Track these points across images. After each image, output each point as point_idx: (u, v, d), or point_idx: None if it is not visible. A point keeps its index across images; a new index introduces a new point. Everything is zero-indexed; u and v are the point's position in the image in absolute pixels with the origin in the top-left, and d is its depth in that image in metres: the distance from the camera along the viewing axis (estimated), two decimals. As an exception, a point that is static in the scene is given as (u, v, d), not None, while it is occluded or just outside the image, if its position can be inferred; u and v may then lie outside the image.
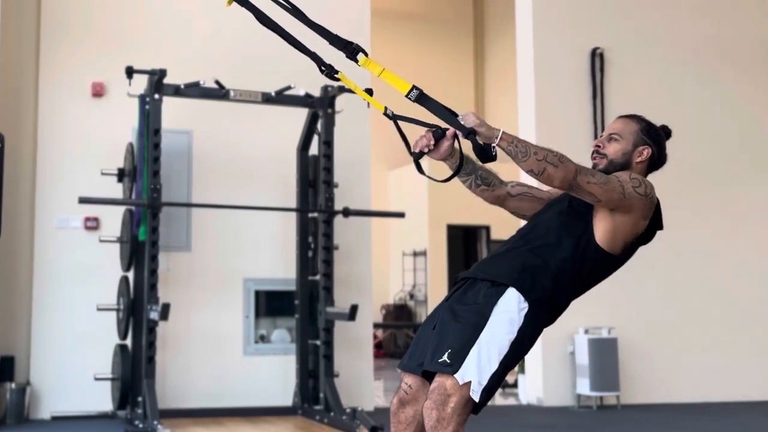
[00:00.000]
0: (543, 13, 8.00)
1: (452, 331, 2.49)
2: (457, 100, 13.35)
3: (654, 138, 2.76)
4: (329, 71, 2.55)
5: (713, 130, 8.36)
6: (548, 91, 7.94)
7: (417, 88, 2.50)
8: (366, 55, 2.55)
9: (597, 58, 8.11)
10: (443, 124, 2.57)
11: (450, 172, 2.66)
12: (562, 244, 2.56)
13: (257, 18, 2.49)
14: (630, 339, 7.73)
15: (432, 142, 2.56)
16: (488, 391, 2.45)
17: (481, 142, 2.46)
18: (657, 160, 2.78)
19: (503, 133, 2.45)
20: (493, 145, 2.44)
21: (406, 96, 2.52)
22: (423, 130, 2.60)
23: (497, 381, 2.47)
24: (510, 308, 2.49)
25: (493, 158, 2.47)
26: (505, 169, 2.86)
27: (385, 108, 2.60)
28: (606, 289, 8.16)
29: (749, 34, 8.63)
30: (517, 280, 2.51)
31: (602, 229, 2.58)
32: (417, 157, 2.58)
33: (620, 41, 8.23)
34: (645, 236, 2.67)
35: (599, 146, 2.72)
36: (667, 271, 8.00)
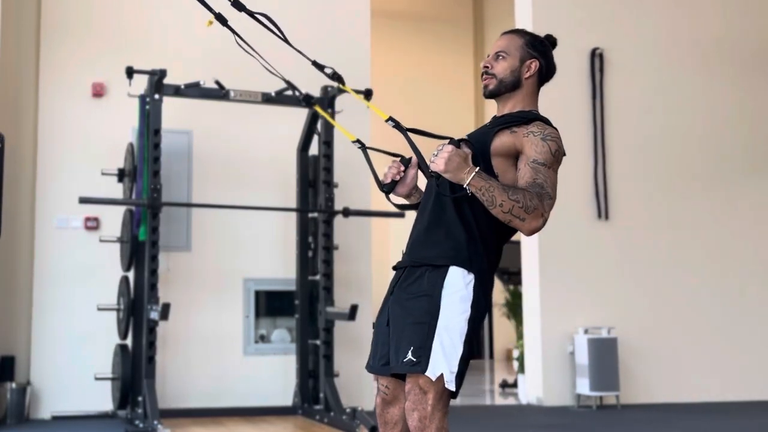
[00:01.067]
0: (543, 13, 8.00)
1: (408, 326, 2.47)
2: (457, 101, 13.40)
3: (540, 50, 2.71)
4: (305, 99, 2.70)
5: (713, 130, 8.36)
6: (548, 91, 7.87)
7: (393, 120, 2.63)
8: (343, 83, 2.77)
9: (597, 58, 8.11)
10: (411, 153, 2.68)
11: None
12: (473, 206, 2.50)
13: (237, 41, 2.62)
14: (630, 339, 7.73)
15: (402, 169, 2.69)
16: (461, 376, 2.45)
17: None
18: (546, 72, 2.74)
19: (474, 177, 2.40)
20: (465, 186, 2.42)
21: (386, 121, 2.64)
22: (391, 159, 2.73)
23: (466, 362, 2.47)
24: (457, 286, 2.47)
25: (452, 196, 2.49)
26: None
27: (357, 139, 2.82)
28: (606, 289, 8.23)
29: (749, 34, 8.63)
30: (453, 258, 2.49)
31: (501, 177, 2.52)
32: (389, 190, 2.73)
33: (620, 41, 8.23)
34: None
35: (488, 67, 2.66)
36: (667, 271, 8.00)
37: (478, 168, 2.43)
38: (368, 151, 2.83)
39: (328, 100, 6.79)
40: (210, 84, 6.64)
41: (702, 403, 7.81)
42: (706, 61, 8.46)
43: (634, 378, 7.76)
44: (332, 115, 6.79)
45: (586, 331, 7.41)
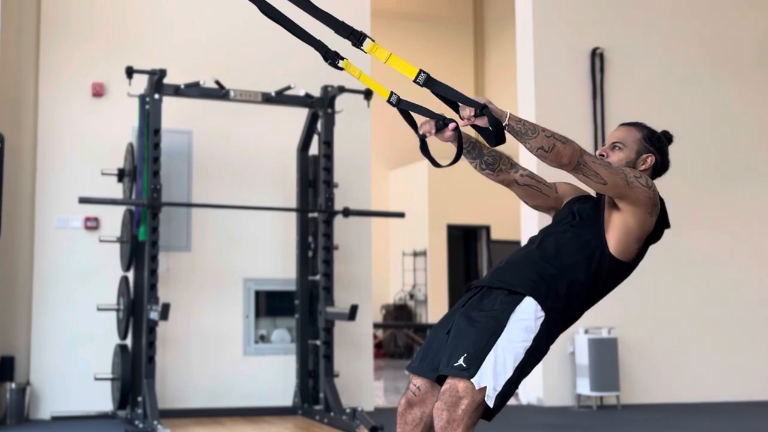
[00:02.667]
0: (543, 13, 8.00)
1: (469, 336, 2.49)
2: (457, 100, 13.42)
3: (657, 145, 2.78)
4: (333, 59, 2.52)
5: (713, 130, 8.36)
6: (548, 91, 7.95)
7: (424, 72, 2.46)
8: (372, 41, 2.50)
9: (597, 58, 8.11)
10: (448, 114, 2.55)
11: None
12: (575, 257, 2.59)
13: (260, 8, 2.45)
14: (630, 339, 7.73)
15: (433, 131, 2.55)
16: (502, 398, 2.46)
17: (489, 125, 2.42)
18: (660, 167, 2.81)
19: (511, 113, 2.46)
20: (504, 123, 2.42)
21: (414, 81, 2.47)
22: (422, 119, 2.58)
23: (511, 388, 2.48)
24: (527, 316, 2.51)
25: (504, 139, 2.45)
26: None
27: (390, 94, 2.56)
28: (606, 289, 8.13)
29: (749, 35, 8.63)
30: (533, 289, 2.53)
31: (615, 237, 2.61)
32: (423, 137, 2.57)
33: (620, 41, 8.23)
34: (654, 235, 2.70)
35: (603, 155, 2.72)
36: (667, 271, 7.99)
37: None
38: (406, 109, 2.65)
39: (328, 99, 6.78)
40: (210, 84, 6.63)
41: (702, 403, 7.81)
42: (707, 61, 8.46)
43: (634, 378, 7.76)
44: (332, 115, 6.79)
45: (586, 331, 7.41)
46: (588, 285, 2.60)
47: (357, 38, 2.48)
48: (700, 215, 8.18)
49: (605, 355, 7.35)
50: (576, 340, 7.48)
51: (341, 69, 2.50)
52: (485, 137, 2.49)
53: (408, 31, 14.81)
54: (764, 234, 8.39)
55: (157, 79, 6.34)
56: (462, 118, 2.45)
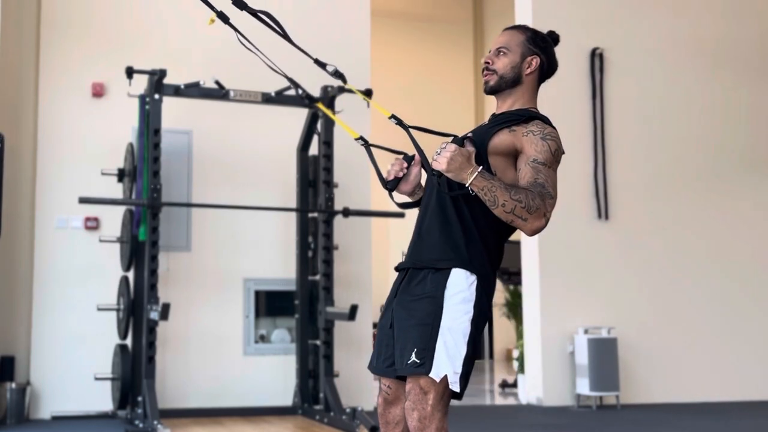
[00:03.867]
0: (543, 13, 8.00)
1: (412, 329, 2.48)
2: (457, 100, 13.40)
3: (541, 46, 2.68)
4: (308, 98, 2.69)
5: (713, 130, 8.36)
6: (548, 91, 7.89)
7: (395, 117, 2.64)
8: (345, 81, 2.72)
9: (597, 58, 8.11)
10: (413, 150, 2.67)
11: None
12: (472, 207, 2.52)
13: (239, 39, 2.58)
14: (630, 339, 7.73)
15: (405, 166, 2.66)
16: (465, 376, 2.45)
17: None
18: (547, 69, 2.70)
19: (476, 177, 2.39)
20: (466, 185, 2.42)
21: (389, 118, 2.64)
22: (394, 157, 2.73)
23: (471, 363, 2.47)
24: (460, 287, 2.47)
25: (453, 195, 2.49)
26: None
27: (360, 136, 2.75)
28: (606, 289, 8.22)
29: (749, 34, 8.63)
30: (455, 259, 2.50)
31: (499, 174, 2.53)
32: (392, 187, 2.70)
33: (620, 41, 8.23)
34: None
35: (488, 62, 2.64)
36: (666, 271, 8.00)
37: (481, 168, 2.42)
38: (371, 148, 2.82)
39: (328, 100, 6.78)
40: (210, 84, 6.63)
41: (702, 403, 7.81)
42: (706, 61, 8.46)
43: (634, 378, 7.76)
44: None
45: (586, 331, 7.41)
46: (493, 223, 2.52)
47: (332, 74, 2.77)
48: (700, 215, 8.18)
49: (605, 355, 7.35)
50: (576, 340, 7.48)
51: (316, 107, 2.76)
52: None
53: (408, 31, 14.80)
54: (765, 234, 8.39)
55: (157, 79, 6.34)
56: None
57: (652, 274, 7.95)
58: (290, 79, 2.66)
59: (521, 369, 8.13)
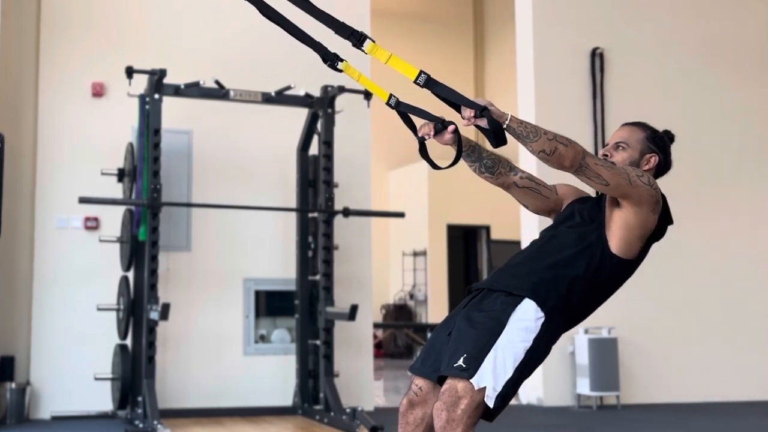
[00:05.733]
0: (543, 13, 8.00)
1: (469, 337, 2.50)
2: (457, 100, 13.43)
3: (660, 145, 2.80)
4: (333, 61, 2.51)
5: (713, 130, 8.36)
6: (548, 91, 7.94)
7: (425, 73, 2.46)
8: (373, 41, 2.50)
9: (597, 58, 8.11)
10: (448, 115, 2.53)
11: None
12: (576, 258, 2.59)
13: (260, 10, 2.45)
14: (630, 339, 7.73)
15: (432, 133, 2.53)
16: (503, 398, 2.46)
17: (489, 127, 2.41)
18: (663, 167, 2.84)
19: (512, 116, 2.45)
20: (504, 126, 2.41)
21: (415, 81, 2.46)
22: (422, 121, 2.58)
23: (512, 388, 2.48)
24: (527, 317, 2.51)
25: (505, 141, 2.43)
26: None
27: (389, 96, 2.55)
28: (606, 289, 8.12)
29: (749, 34, 8.63)
30: (532, 291, 2.54)
31: (616, 235, 2.61)
32: (422, 140, 2.55)
33: (620, 41, 8.23)
34: (657, 233, 2.71)
35: (607, 155, 2.73)
36: (666, 272, 7.99)
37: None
38: (404, 110, 2.65)
39: (328, 99, 6.78)
40: (210, 84, 6.63)
41: (702, 403, 7.81)
42: (706, 60, 8.46)
43: (634, 378, 7.76)
44: (332, 115, 6.79)
45: (586, 331, 7.41)
46: (589, 284, 2.60)
47: (357, 39, 2.47)
48: (701, 214, 8.18)
49: (605, 355, 7.35)
50: (576, 340, 7.48)
51: (340, 71, 2.50)
52: (488, 137, 2.47)
53: (408, 31, 14.81)
54: (765, 234, 8.39)
55: (157, 79, 6.34)
56: (463, 119, 2.44)
57: (652, 274, 7.93)
58: (317, 43, 2.53)
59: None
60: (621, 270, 2.67)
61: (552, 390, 7.61)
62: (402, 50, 12.78)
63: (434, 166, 2.58)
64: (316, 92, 6.85)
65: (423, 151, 2.56)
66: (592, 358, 7.30)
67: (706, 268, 8.17)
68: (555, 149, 2.42)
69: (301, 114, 7.14)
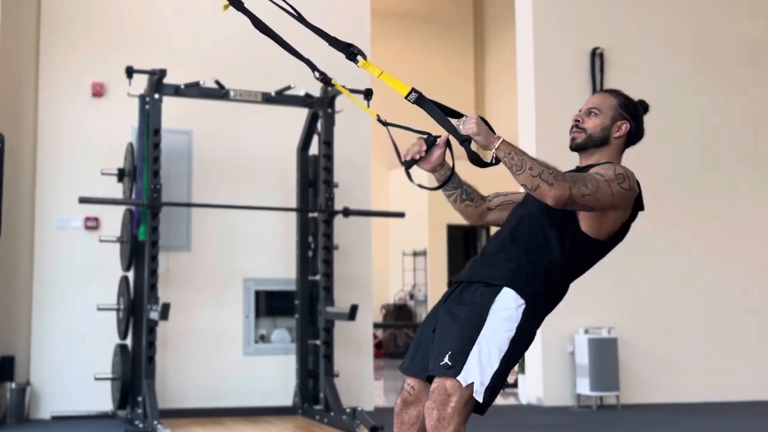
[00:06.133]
0: (543, 13, 8.00)
1: (452, 333, 2.51)
2: (457, 100, 13.34)
3: (632, 112, 2.78)
4: (323, 78, 2.58)
5: (713, 130, 8.36)
6: (548, 91, 7.94)
7: (416, 91, 2.51)
8: (365, 57, 2.57)
9: (597, 58, 8.11)
10: (436, 130, 2.57)
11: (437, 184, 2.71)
12: (549, 240, 2.57)
13: (253, 23, 2.52)
14: (630, 339, 7.73)
15: (423, 149, 2.59)
16: (492, 390, 2.47)
17: (468, 157, 2.46)
18: (635, 135, 2.79)
19: (502, 142, 2.43)
20: (492, 151, 2.44)
21: (406, 98, 2.52)
22: (415, 136, 2.62)
23: (500, 380, 2.48)
24: (507, 306, 2.51)
25: (485, 165, 2.46)
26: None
27: (378, 115, 2.62)
28: (606, 289, 8.21)
29: (749, 34, 8.63)
30: (510, 280, 2.53)
31: (587, 220, 2.58)
32: (408, 166, 2.60)
33: (620, 41, 8.23)
34: (629, 220, 2.70)
35: (579, 120, 2.72)
36: (666, 271, 8.00)
37: (502, 137, 2.46)
38: (390, 127, 2.73)
39: (328, 99, 6.79)
40: (210, 84, 6.63)
41: (702, 403, 7.81)
42: (707, 60, 8.46)
43: (634, 378, 7.76)
44: (332, 115, 6.79)
45: (586, 331, 7.41)
46: (564, 265, 2.58)
47: (350, 54, 2.56)
48: (700, 215, 8.18)
49: (605, 355, 7.35)
50: (576, 340, 7.48)
51: (332, 86, 2.60)
52: (470, 159, 2.49)
53: (408, 31, 14.81)
54: (765, 234, 8.39)
55: (157, 79, 6.33)
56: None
57: (652, 274, 7.95)
58: (307, 60, 2.60)
59: (521, 369, 8.13)
60: (593, 250, 2.65)
61: (552, 390, 7.61)
62: (402, 50, 12.80)
63: (424, 188, 2.68)
64: (316, 92, 6.85)
65: (410, 175, 2.61)
66: (592, 358, 7.30)
67: (706, 269, 8.17)
68: (537, 186, 2.40)
69: (301, 114, 7.14)
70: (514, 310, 2.50)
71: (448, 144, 2.57)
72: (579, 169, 2.69)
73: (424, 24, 15.14)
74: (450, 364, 2.44)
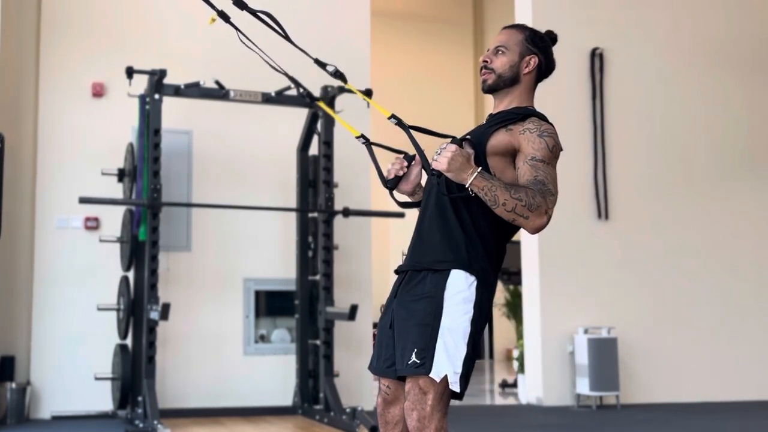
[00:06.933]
0: (543, 13, 8.00)
1: (413, 329, 2.48)
2: (457, 100, 13.39)
3: (540, 46, 2.70)
4: (309, 97, 2.69)
5: (713, 130, 8.36)
6: (548, 91, 7.89)
7: (396, 117, 2.64)
8: (345, 81, 2.72)
9: (597, 58, 8.11)
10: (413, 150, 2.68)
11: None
12: (475, 208, 2.51)
13: (239, 37, 2.59)
14: (630, 339, 7.73)
15: (405, 165, 2.67)
16: (465, 377, 2.45)
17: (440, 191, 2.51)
18: (545, 69, 2.72)
19: (476, 177, 2.40)
20: (467, 187, 2.42)
21: (389, 119, 2.63)
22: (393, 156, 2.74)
23: (471, 363, 2.46)
24: (460, 288, 2.47)
25: (448, 195, 2.49)
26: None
27: (361, 135, 2.74)
28: (606, 289, 8.21)
29: (749, 34, 8.63)
30: (455, 261, 2.49)
31: (502, 175, 2.52)
32: (392, 185, 2.69)
33: (620, 41, 8.23)
34: None
35: (487, 61, 2.65)
36: (666, 271, 8.00)
37: (480, 168, 2.42)
38: (372, 147, 2.82)
39: (328, 100, 6.79)
40: (210, 84, 6.64)
41: (702, 403, 7.81)
42: (707, 60, 8.46)
43: (634, 378, 7.76)
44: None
45: (586, 331, 7.41)
46: (492, 226, 2.52)
47: (332, 74, 2.74)
48: (700, 215, 8.18)
49: (605, 355, 7.35)
50: (576, 339, 7.48)
51: (317, 105, 2.77)
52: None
53: (408, 31, 14.80)
54: (765, 234, 8.39)
55: (157, 79, 6.34)
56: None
57: (652, 274, 7.95)
58: (291, 78, 2.67)
59: (521, 369, 8.14)
60: None
61: (551, 390, 7.61)
62: (402, 50, 12.77)
63: (404, 206, 2.77)
64: (316, 92, 6.85)
65: (392, 194, 2.71)
66: (592, 357, 7.30)
67: (706, 269, 8.17)
68: (513, 220, 2.42)
69: (301, 114, 7.14)
70: (467, 290, 2.47)
71: (422, 163, 2.62)
72: (492, 117, 2.61)
73: (424, 24, 15.13)
74: (418, 362, 2.42)
